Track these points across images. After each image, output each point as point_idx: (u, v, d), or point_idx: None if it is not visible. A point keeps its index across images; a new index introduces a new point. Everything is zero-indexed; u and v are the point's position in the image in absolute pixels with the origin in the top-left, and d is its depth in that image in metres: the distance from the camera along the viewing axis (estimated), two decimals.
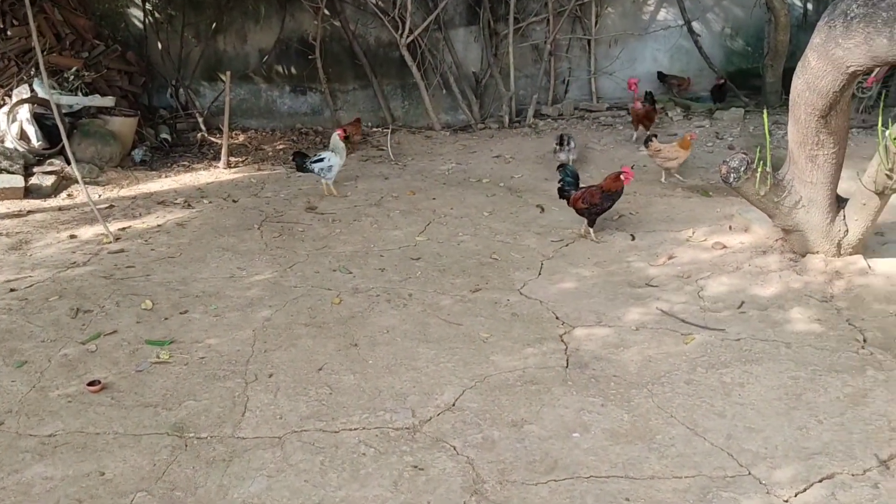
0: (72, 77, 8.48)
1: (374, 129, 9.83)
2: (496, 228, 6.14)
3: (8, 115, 7.65)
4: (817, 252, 5.03)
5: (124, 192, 7.51)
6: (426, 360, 4.12)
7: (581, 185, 6.02)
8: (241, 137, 9.72)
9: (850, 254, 4.98)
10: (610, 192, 5.74)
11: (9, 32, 8.48)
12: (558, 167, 6.19)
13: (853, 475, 3.10)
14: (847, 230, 4.88)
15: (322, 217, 6.54)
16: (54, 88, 8.07)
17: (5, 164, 7.30)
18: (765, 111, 5.89)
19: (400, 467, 3.26)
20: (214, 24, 9.91)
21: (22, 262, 5.62)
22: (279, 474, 3.24)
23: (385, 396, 3.80)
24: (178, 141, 9.53)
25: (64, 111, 7.87)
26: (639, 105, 8.37)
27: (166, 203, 7.06)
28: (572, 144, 7.61)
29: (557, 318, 4.58)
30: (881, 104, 4.96)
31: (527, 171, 7.82)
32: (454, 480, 3.17)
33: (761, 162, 4.74)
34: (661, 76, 10.10)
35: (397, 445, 3.41)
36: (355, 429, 3.54)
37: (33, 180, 7.33)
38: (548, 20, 9.79)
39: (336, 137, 7.14)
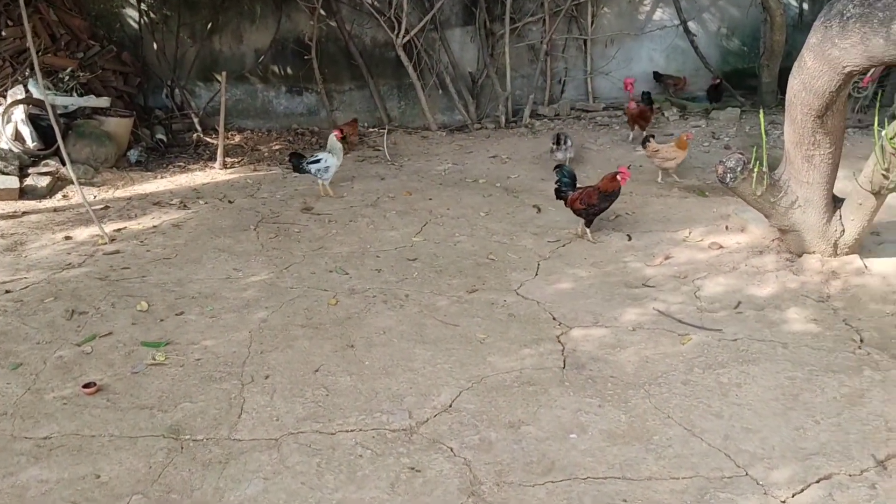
0: (67, 78, 8.45)
1: (371, 130, 9.82)
2: (493, 229, 6.14)
3: (3, 116, 7.63)
4: (814, 252, 5.03)
5: (120, 192, 7.49)
6: (423, 362, 4.11)
7: (578, 185, 6.01)
8: (237, 138, 9.71)
9: (847, 254, 4.98)
10: (607, 193, 5.73)
11: (3, 33, 8.46)
12: (555, 168, 6.19)
13: (850, 476, 3.10)
14: (843, 230, 4.88)
15: (318, 218, 6.53)
16: (49, 89, 8.04)
17: (0, 165, 7.27)
18: (761, 111, 5.89)
19: (397, 469, 3.25)
20: (210, 25, 9.89)
21: (17, 264, 5.60)
22: (276, 476, 3.23)
23: (382, 398, 3.79)
24: (173, 141, 9.51)
25: (59, 112, 7.85)
26: (633, 105, 8.38)
27: (162, 204, 7.04)
28: (569, 143, 7.62)
29: (554, 318, 4.58)
30: (877, 104, 4.96)
31: (523, 171, 7.82)
32: (451, 482, 3.16)
33: (758, 162, 4.74)
34: (657, 76, 10.11)
35: (394, 447, 3.40)
36: (352, 430, 3.53)
37: (28, 181, 7.31)
38: (544, 20, 9.79)
39: (333, 138, 7.14)
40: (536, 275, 5.24)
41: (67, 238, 6.14)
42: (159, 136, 9.36)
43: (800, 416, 3.50)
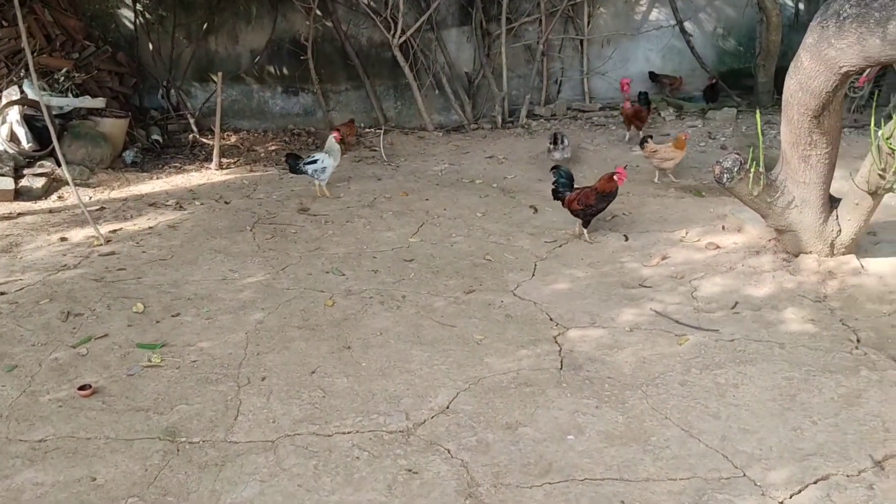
0: (62, 78, 8.42)
1: (367, 130, 9.80)
2: (489, 229, 6.13)
3: None
4: (810, 252, 5.03)
5: (115, 193, 7.47)
6: (420, 363, 4.10)
7: (575, 185, 6.01)
8: (233, 138, 9.69)
9: (843, 254, 4.98)
10: (605, 193, 5.73)
11: None
12: (552, 169, 6.18)
13: (848, 476, 3.10)
14: (840, 230, 4.88)
15: (315, 218, 6.52)
16: (44, 90, 8.01)
17: None
18: (757, 111, 5.89)
19: (394, 471, 3.24)
20: (206, 25, 9.87)
21: (12, 265, 5.58)
22: (272, 479, 3.21)
23: (379, 399, 3.78)
24: (169, 142, 9.49)
25: (54, 113, 7.82)
26: (628, 105, 8.38)
27: (157, 205, 7.02)
28: (566, 143, 7.62)
29: (551, 319, 4.57)
30: (873, 104, 4.96)
31: (520, 171, 7.81)
32: (448, 484, 3.15)
33: (754, 162, 4.74)
34: (653, 76, 10.12)
35: (391, 449, 3.39)
36: (349, 432, 3.52)
37: (23, 182, 7.28)
38: (540, 20, 9.79)
39: (332, 140, 7.13)
40: (533, 275, 5.24)
41: (63, 239, 6.12)
42: (155, 136, 9.33)
43: (797, 417, 3.50)
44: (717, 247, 5.48)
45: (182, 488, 3.17)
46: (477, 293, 4.96)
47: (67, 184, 6.76)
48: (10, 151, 7.49)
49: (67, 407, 3.77)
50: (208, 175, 8.14)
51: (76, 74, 8.59)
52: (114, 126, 8.40)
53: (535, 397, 3.74)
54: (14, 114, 7.71)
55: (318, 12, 9.49)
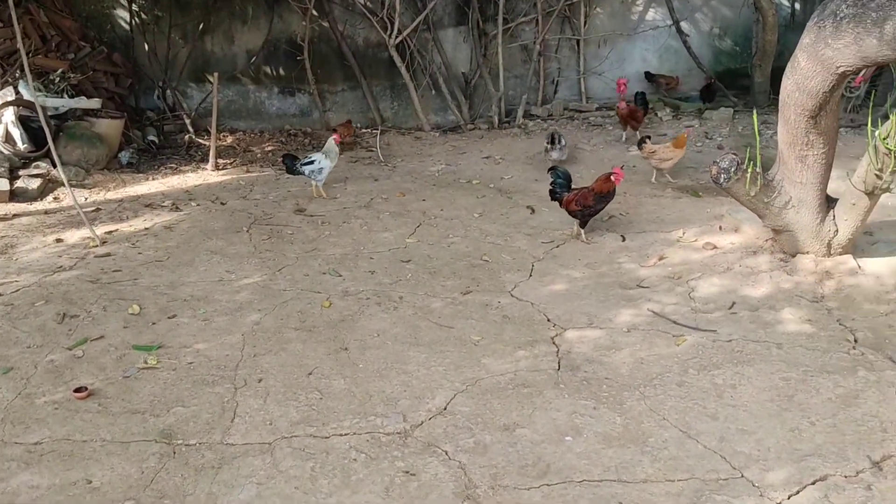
0: (57, 79, 8.39)
1: (364, 131, 9.79)
2: (487, 230, 6.12)
3: None
4: (807, 252, 5.03)
5: (111, 194, 7.44)
6: (417, 364, 4.09)
7: (573, 186, 6.00)
8: (230, 139, 9.66)
9: (840, 254, 4.99)
10: (602, 194, 5.72)
11: None
12: (549, 170, 6.17)
13: (846, 477, 3.10)
14: (837, 230, 4.89)
15: (311, 219, 6.50)
16: (40, 90, 7.98)
17: None
18: (754, 111, 5.90)
19: (391, 473, 3.23)
20: (201, 25, 9.84)
21: (7, 267, 5.55)
22: (269, 481, 3.20)
23: (376, 401, 3.77)
24: (165, 143, 9.45)
25: (49, 113, 7.78)
26: (623, 105, 8.38)
27: (154, 206, 7.00)
28: (563, 143, 7.62)
29: (549, 320, 4.57)
30: (870, 104, 4.97)
31: (517, 171, 7.81)
32: (446, 486, 3.15)
33: (751, 162, 4.74)
34: (650, 76, 10.12)
35: (388, 451, 3.38)
36: (346, 434, 3.51)
37: (19, 183, 7.25)
38: (537, 20, 9.78)
39: (332, 142, 7.11)
40: (530, 276, 5.23)
41: (58, 241, 6.09)
42: (151, 137, 9.30)
43: (795, 418, 3.50)
44: (715, 247, 5.48)
45: (178, 491, 3.16)
46: (474, 294, 4.95)
47: (63, 185, 6.73)
48: (6, 152, 7.46)
49: (63, 409, 3.76)
50: (204, 176, 8.12)
51: (72, 75, 8.56)
52: (109, 127, 8.37)
53: (533, 398, 3.74)
54: (9, 115, 7.68)
55: (315, 12, 9.48)
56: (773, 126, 7.37)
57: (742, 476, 3.14)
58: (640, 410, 3.61)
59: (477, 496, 3.08)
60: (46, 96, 8.04)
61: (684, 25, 10.09)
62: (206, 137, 9.14)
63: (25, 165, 7.52)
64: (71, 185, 6.67)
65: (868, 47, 3.98)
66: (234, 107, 10.16)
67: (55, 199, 7.24)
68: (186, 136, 9.51)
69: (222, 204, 7.02)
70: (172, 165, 8.57)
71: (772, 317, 4.46)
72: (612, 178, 5.71)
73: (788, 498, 3.00)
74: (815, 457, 3.22)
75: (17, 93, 7.88)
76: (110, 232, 6.27)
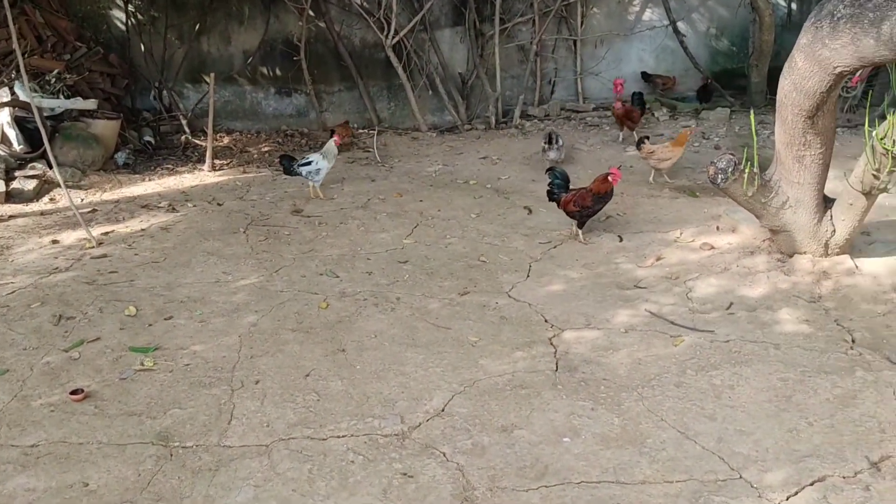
0: (53, 80, 8.38)
1: (361, 131, 9.77)
2: (484, 230, 6.12)
3: None
4: (805, 252, 5.03)
5: (107, 195, 7.42)
6: (414, 365, 4.08)
7: (570, 187, 5.99)
8: (226, 140, 9.65)
9: (838, 254, 4.99)
10: (601, 195, 5.71)
11: None
12: (547, 170, 6.16)
13: (844, 478, 3.09)
14: (834, 230, 4.89)
15: (308, 220, 6.49)
16: (36, 91, 7.96)
17: None
18: (752, 111, 5.90)
19: (389, 475, 3.22)
20: (198, 26, 9.83)
21: (3, 269, 5.53)
22: (266, 483, 3.19)
23: (373, 402, 3.76)
24: (161, 144, 9.43)
25: (46, 114, 7.76)
26: (619, 105, 8.38)
27: (150, 207, 6.98)
28: (561, 143, 7.62)
29: (546, 320, 4.56)
30: (867, 104, 4.97)
31: (514, 172, 7.80)
32: (444, 488, 3.14)
33: (748, 163, 4.74)
34: (646, 76, 10.12)
35: (386, 452, 3.37)
36: (343, 436, 3.50)
37: (15, 185, 7.23)
38: (533, 21, 9.78)
39: (332, 143, 7.10)
40: (528, 276, 5.22)
41: (54, 242, 6.07)
42: (147, 138, 9.28)
43: (793, 418, 3.50)
44: (712, 247, 5.48)
45: (175, 494, 3.15)
46: (472, 295, 4.95)
47: (59, 186, 6.71)
48: (1, 153, 7.43)
49: (59, 411, 3.74)
50: (201, 177, 8.10)
51: (67, 76, 8.54)
52: (105, 127, 8.35)
53: (531, 399, 3.73)
54: (5, 115, 7.66)
55: (311, 13, 9.46)
56: (769, 126, 7.38)
57: (740, 477, 3.13)
58: (638, 411, 3.61)
59: (475, 498, 3.07)
60: (42, 97, 8.03)
61: (681, 25, 10.09)
62: (202, 138, 9.12)
63: (21, 166, 7.50)
64: (67, 186, 6.65)
65: (865, 47, 3.98)
66: (230, 107, 10.14)
67: (51, 200, 7.23)
68: (183, 137, 9.49)
69: (219, 205, 7.01)
70: (169, 166, 8.56)
71: (769, 317, 4.46)
72: (609, 178, 5.71)
73: (787, 499, 3.00)
74: (814, 457, 3.22)
75: (13, 94, 7.87)
76: (106, 233, 6.25)
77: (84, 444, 3.49)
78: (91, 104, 8.38)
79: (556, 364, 4.05)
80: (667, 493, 3.05)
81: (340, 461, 3.32)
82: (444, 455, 3.34)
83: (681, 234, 5.79)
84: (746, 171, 4.74)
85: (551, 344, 4.27)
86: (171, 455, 3.40)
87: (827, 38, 4.14)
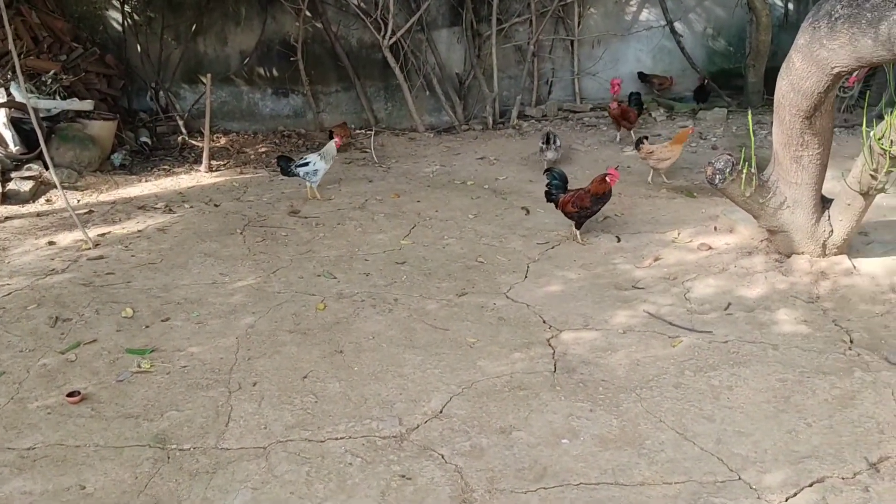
0: (49, 80, 8.35)
1: (358, 132, 9.76)
2: (481, 231, 6.11)
3: None
4: (802, 253, 5.03)
5: (104, 196, 7.40)
6: (412, 367, 4.07)
7: (568, 187, 5.98)
8: (223, 140, 9.63)
9: (835, 254, 4.98)
10: (599, 195, 5.70)
11: None
12: (545, 171, 6.15)
13: (843, 479, 3.09)
14: (832, 231, 4.89)
15: (305, 221, 6.48)
16: (32, 92, 7.94)
17: None
18: (749, 112, 5.90)
19: (387, 477, 3.21)
20: (194, 26, 9.81)
21: None
22: (264, 486, 3.18)
23: (371, 404, 3.75)
24: (158, 144, 9.41)
25: (42, 115, 7.74)
26: (615, 105, 8.37)
27: (147, 208, 6.97)
28: (558, 143, 7.61)
29: (544, 321, 4.55)
30: (865, 104, 4.97)
31: (511, 172, 7.79)
32: (442, 490, 3.13)
33: (746, 163, 4.74)
34: (643, 76, 10.12)
35: (384, 454, 3.36)
36: (341, 438, 3.49)
37: (11, 186, 7.21)
38: (530, 21, 9.78)
39: (332, 145, 7.09)
40: (526, 277, 5.21)
41: (51, 243, 6.05)
42: (144, 138, 9.25)
43: (792, 419, 3.49)
44: (710, 248, 5.48)
45: (173, 496, 3.14)
46: (469, 296, 4.94)
47: (55, 187, 6.69)
48: None
49: (56, 414, 3.72)
50: (198, 177, 8.09)
51: (64, 76, 8.52)
52: (102, 128, 8.33)
53: (529, 401, 3.72)
54: (1, 116, 7.63)
55: (308, 13, 9.45)
56: (766, 126, 7.39)
57: (739, 478, 3.13)
58: (637, 412, 3.60)
59: (473, 500, 3.06)
60: (38, 98, 8.00)
61: (678, 26, 10.10)
62: (199, 139, 9.11)
63: (17, 167, 7.47)
64: (63, 188, 6.62)
65: (863, 48, 3.98)
66: (227, 108, 10.12)
67: (47, 201, 7.20)
68: (179, 138, 9.46)
69: (216, 206, 6.99)
70: (165, 167, 8.54)
71: (767, 318, 4.46)
72: (607, 179, 5.70)
73: (786, 500, 3.00)
74: (813, 459, 3.21)
75: (9, 94, 7.84)
76: (103, 234, 6.24)
77: (81, 447, 3.47)
78: (87, 105, 8.35)
79: (555, 365, 4.05)
80: (666, 495, 3.05)
81: (338, 463, 3.31)
82: (443, 457, 3.33)
83: (679, 234, 5.79)
84: (744, 171, 4.73)
85: (549, 345, 4.27)
86: (169, 457, 3.38)
87: (825, 39, 4.14)
